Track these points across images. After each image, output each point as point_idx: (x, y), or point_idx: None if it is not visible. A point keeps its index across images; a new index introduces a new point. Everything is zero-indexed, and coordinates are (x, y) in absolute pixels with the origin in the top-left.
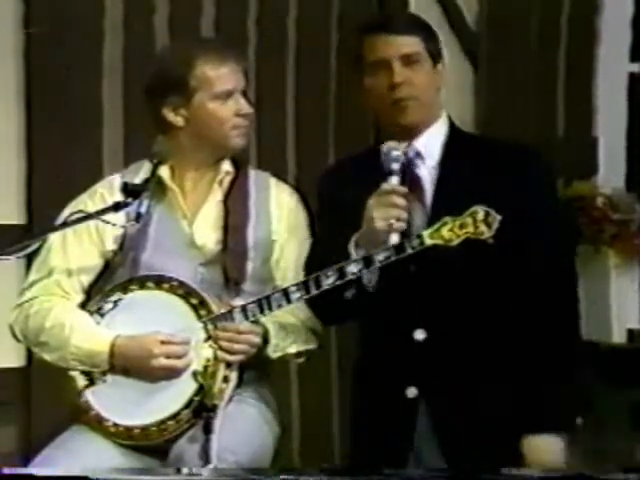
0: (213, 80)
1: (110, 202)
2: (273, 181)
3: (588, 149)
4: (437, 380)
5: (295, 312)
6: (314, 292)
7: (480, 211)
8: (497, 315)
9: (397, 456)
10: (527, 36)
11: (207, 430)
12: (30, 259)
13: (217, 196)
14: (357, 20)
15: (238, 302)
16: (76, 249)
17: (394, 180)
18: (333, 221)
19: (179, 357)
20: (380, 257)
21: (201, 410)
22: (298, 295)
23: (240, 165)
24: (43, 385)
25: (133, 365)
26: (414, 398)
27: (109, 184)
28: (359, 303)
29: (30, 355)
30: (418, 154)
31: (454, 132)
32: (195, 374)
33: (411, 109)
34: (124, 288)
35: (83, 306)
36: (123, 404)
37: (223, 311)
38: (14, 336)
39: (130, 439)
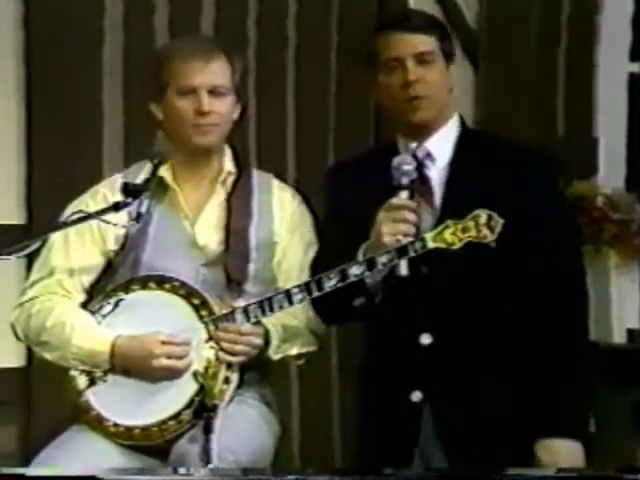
0: (178, 75)
1: (111, 202)
2: (276, 182)
3: (588, 149)
4: (442, 384)
5: (297, 314)
6: (316, 294)
7: (482, 215)
8: (503, 319)
9: (401, 460)
10: (527, 36)
11: (207, 430)
12: (31, 259)
13: (220, 196)
14: (357, 20)
15: (240, 303)
16: (78, 249)
17: (404, 195)
18: (341, 223)
19: (180, 358)
20: (383, 259)
21: (202, 410)
22: (300, 297)
23: (243, 165)
24: (43, 385)
25: (134, 365)
26: (419, 402)
27: (111, 184)
28: (364, 307)
29: (30, 355)
30: (428, 155)
31: (465, 132)
32: (196, 374)
33: (424, 107)
34: (126, 288)
35: (84, 306)
36: (124, 404)
37: (225, 312)
38: (15, 335)
39: (130, 439)
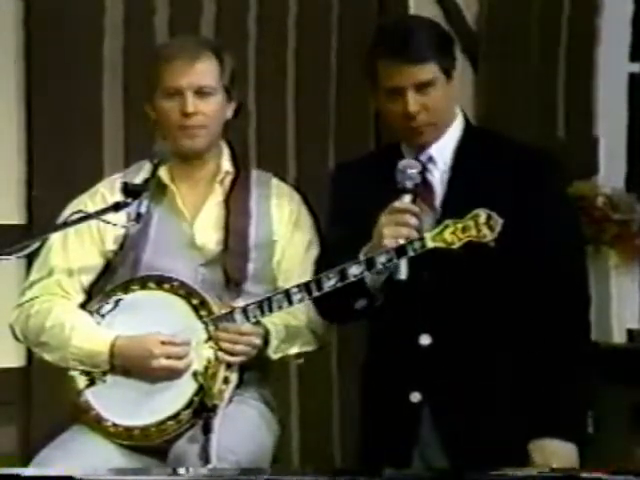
0: (164, 76)
1: (111, 202)
2: (275, 181)
3: (588, 149)
4: (441, 385)
5: (296, 313)
6: (316, 294)
7: (482, 214)
8: (502, 320)
9: (401, 460)
10: (527, 36)
11: (207, 430)
12: (30, 259)
13: (218, 196)
14: (357, 20)
15: (239, 303)
16: (77, 249)
17: (407, 199)
18: (344, 224)
19: (180, 358)
20: (382, 259)
21: (201, 410)
22: (299, 297)
23: (241, 165)
24: (43, 385)
25: (133, 365)
26: (418, 402)
27: (110, 184)
28: (365, 309)
29: (30, 355)
30: (430, 158)
31: (468, 133)
32: (195, 374)
33: (426, 132)
34: (125, 288)
35: (84, 306)
36: (123, 404)
37: (224, 312)
38: (14, 336)
39: (130, 439)
